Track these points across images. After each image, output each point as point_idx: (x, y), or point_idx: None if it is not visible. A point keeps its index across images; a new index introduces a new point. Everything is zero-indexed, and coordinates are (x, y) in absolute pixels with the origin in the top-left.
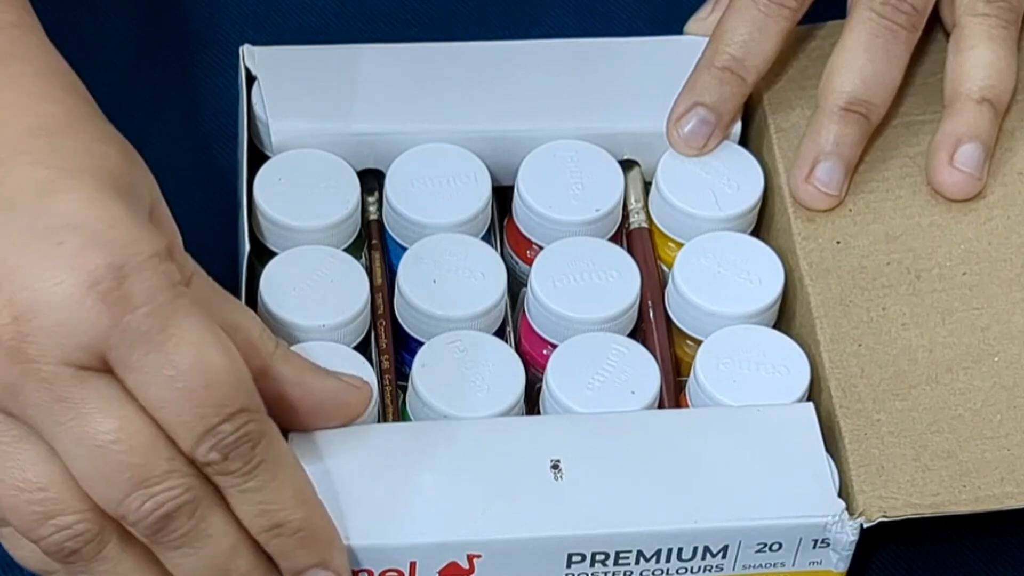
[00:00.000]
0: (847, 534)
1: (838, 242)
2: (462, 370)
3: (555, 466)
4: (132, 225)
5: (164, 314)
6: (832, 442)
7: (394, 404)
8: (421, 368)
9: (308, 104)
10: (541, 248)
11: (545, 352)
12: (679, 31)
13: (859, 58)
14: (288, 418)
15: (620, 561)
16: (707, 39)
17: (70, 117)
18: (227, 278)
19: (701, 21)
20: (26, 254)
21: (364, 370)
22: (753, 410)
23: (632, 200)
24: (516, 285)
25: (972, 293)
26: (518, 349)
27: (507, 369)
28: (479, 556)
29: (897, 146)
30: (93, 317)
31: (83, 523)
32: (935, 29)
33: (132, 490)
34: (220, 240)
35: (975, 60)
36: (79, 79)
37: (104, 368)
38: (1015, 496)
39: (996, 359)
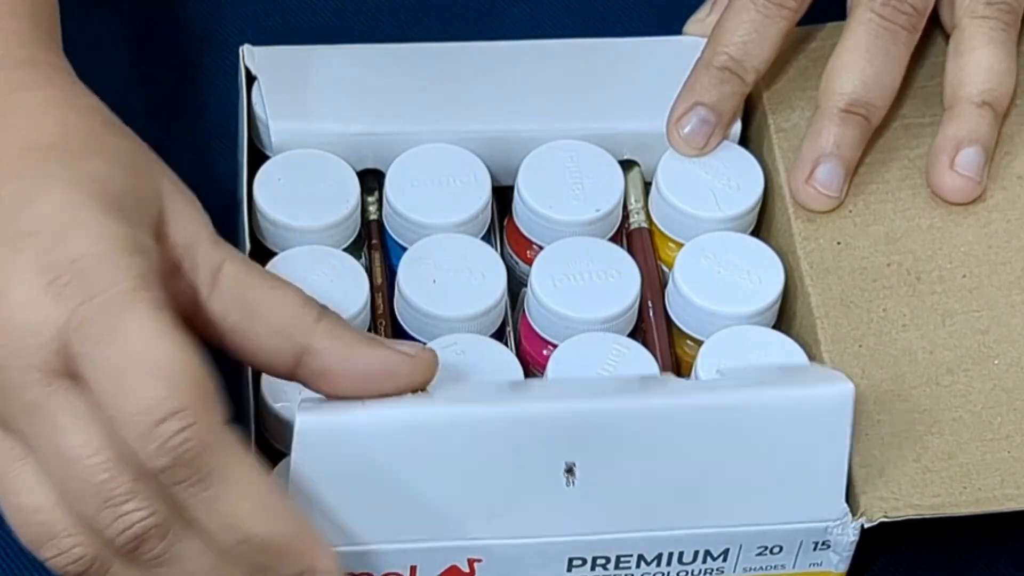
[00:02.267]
0: (848, 535)
1: (838, 243)
2: (461, 374)
3: (569, 470)
4: (101, 223)
5: (119, 303)
6: None
7: None
8: None
9: (308, 104)
10: (541, 248)
11: (545, 352)
12: (679, 31)
13: (859, 59)
14: (336, 390)
15: (621, 565)
16: (706, 39)
17: (68, 135)
18: None
19: (700, 22)
20: None
21: None
22: (785, 394)
23: (632, 200)
24: (516, 285)
25: (972, 295)
26: (518, 349)
27: (506, 372)
28: (479, 560)
29: (897, 148)
30: (49, 311)
31: (79, 547)
32: (934, 31)
33: (101, 508)
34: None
35: (975, 63)
36: (98, 102)
37: (71, 371)
38: (1015, 498)
39: (996, 361)
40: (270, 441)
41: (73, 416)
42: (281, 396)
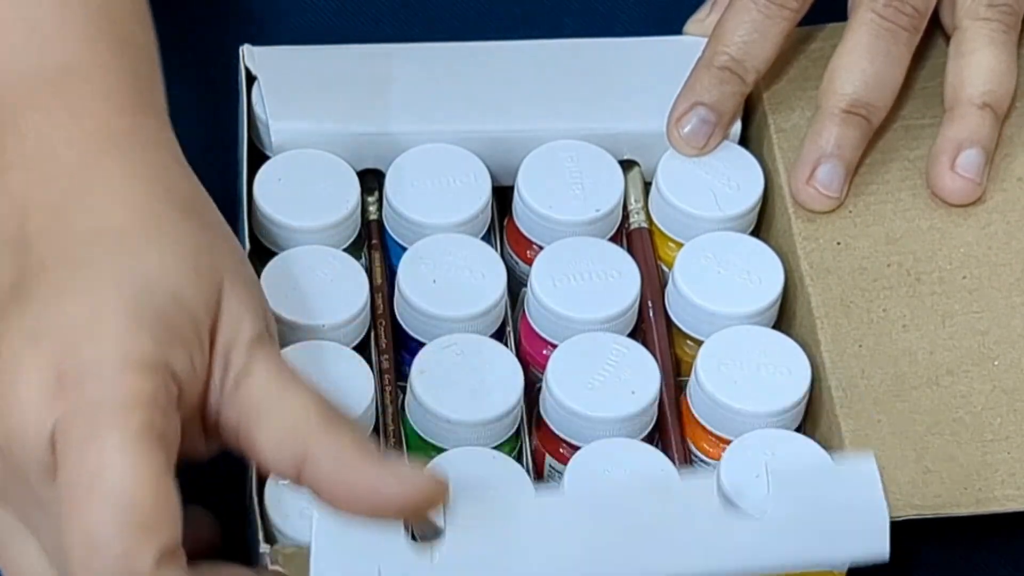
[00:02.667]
0: None
1: (838, 243)
2: (460, 374)
3: None
4: (121, 335)
5: (104, 418)
6: (833, 442)
7: (394, 405)
8: (419, 374)
9: (308, 104)
10: (541, 248)
11: (545, 352)
12: (679, 31)
13: (861, 60)
14: (333, 504)
15: None
16: (706, 39)
17: (136, 221)
18: None
19: (700, 22)
20: (10, 350)
21: (362, 371)
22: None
23: (632, 200)
24: (516, 285)
25: (972, 297)
26: (518, 349)
27: (505, 371)
28: None
29: (897, 149)
30: (47, 410)
31: None
32: (935, 32)
33: None
34: None
35: (976, 65)
36: (184, 176)
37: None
38: (1016, 499)
39: (996, 363)
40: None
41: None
42: None
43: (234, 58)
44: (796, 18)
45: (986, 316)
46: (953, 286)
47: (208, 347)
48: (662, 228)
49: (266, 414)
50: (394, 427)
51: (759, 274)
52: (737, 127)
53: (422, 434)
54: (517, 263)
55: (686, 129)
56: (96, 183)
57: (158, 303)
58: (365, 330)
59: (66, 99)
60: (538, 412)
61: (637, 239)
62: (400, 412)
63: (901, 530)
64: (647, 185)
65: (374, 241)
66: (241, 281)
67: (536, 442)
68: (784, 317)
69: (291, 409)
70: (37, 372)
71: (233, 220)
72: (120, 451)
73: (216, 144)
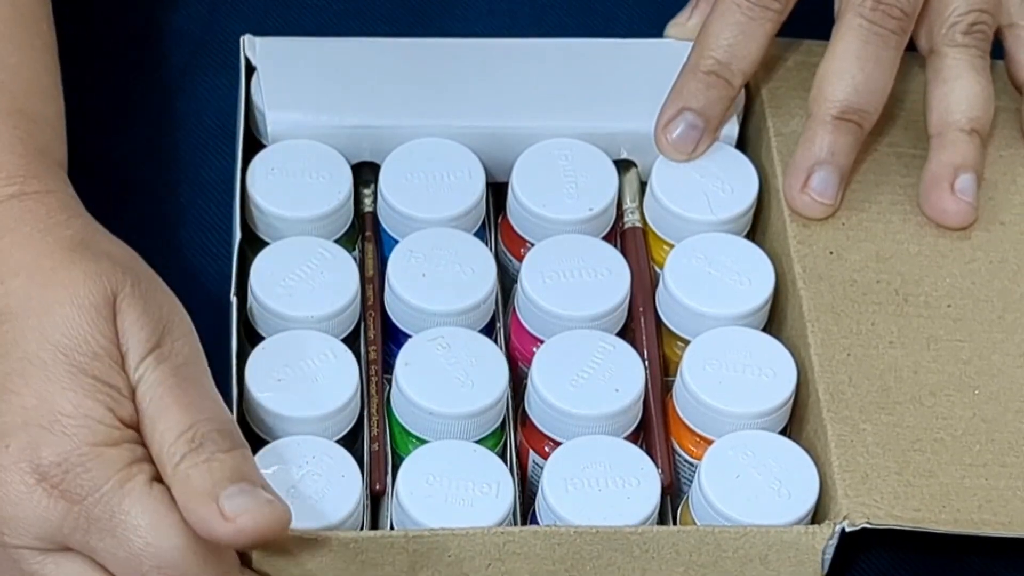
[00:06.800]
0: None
1: (831, 252)
2: (445, 366)
3: None
4: (78, 410)
5: (111, 502)
6: (818, 445)
7: (379, 395)
8: (404, 366)
9: (306, 95)
10: (534, 246)
11: (535, 348)
12: None
13: (851, 66)
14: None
15: None
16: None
17: (29, 285)
18: (228, 277)
19: (680, 26)
20: None
21: (347, 361)
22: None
23: (627, 200)
24: (510, 282)
25: (956, 325)
26: (508, 345)
27: (491, 366)
28: None
29: (888, 173)
30: (44, 511)
31: None
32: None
33: None
34: (221, 241)
35: (961, 91)
36: (74, 219)
37: (69, 548)
38: (992, 524)
39: (976, 392)
40: (252, 429)
41: None
42: (264, 387)
43: (234, 58)
44: (780, 19)
45: (968, 346)
46: (938, 312)
47: (122, 368)
48: (655, 230)
49: (147, 431)
50: (378, 418)
51: (749, 276)
52: (734, 130)
53: (406, 426)
54: (511, 260)
55: (674, 135)
56: None
57: (84, 357)
58: (355, 321)
59: None
60: (523, 408)
61: (631, 239)
62: (385, 404)
63: (890, 536)
64: (643, 185)
65: (368, 233)
66: (130, 291)
67: (521, 438)
68: (775, 319)
69: (160, 433)
70: (18, 473)
71: (229, 211)
72: (152, 517)
73: (215, 142)
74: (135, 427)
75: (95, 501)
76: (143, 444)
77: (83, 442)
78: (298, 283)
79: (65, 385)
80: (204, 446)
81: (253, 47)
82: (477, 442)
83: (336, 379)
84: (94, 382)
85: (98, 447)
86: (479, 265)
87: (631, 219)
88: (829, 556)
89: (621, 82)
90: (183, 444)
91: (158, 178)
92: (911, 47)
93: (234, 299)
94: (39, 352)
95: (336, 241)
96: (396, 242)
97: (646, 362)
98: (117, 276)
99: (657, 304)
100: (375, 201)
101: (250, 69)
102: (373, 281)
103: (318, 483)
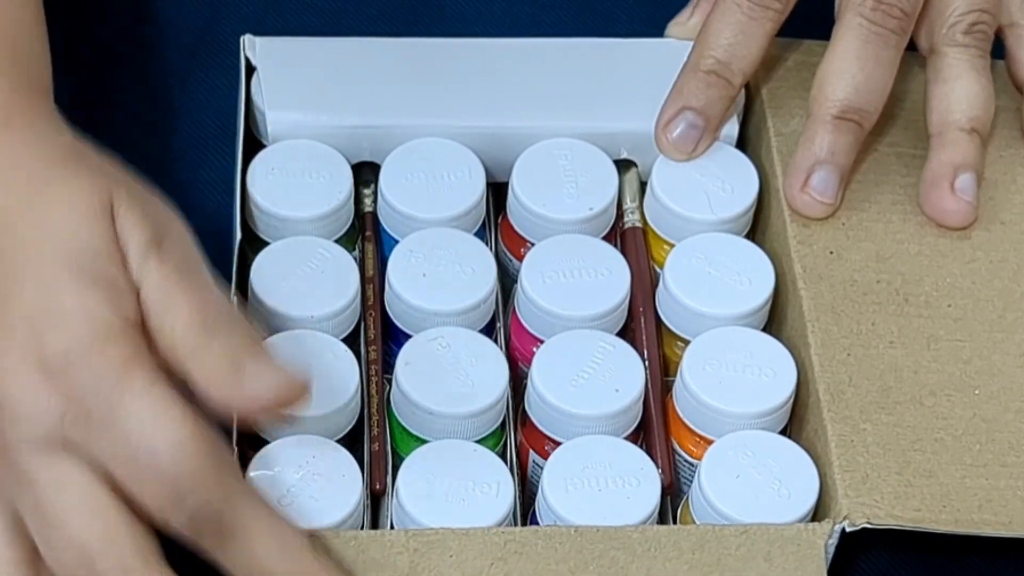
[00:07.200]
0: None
1: (831, 252)
2: (445, 366)
3: None
4: (82, 304)
5: (111, 397)
6: (818, 445)
7: (379, 395)
8: (404, 365)
9: (306, 95)
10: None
11: (535, 349)
12: None
13: (851, 66)
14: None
15: None
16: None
17: (30, 187)
18: (228, 277)
19: (681, 25)
20: None
21: (348, 361)
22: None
23: (627, 200)
24: (510, 282)
25: (956, 325)
26: (508, 346)
27: (491, 365)
28: None
29: (888, 173)
30: (45, 403)
31: None
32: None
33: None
34: (220, 241)
35: (961, 91)
36: (60, 127)
37: (70, 448)
38: (992, 524)
39: (977, 392)
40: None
41: (63, 481)
42: None
43: (234, 58)
44: (780, 18)
45: (968, 346)
46: (939, 312)
47: (124, 267)
48: (655, 229)
49: (155, 326)
50: (378, 417)
51: (749, 276)
52: (734, 130)
53: (406, 425)
54: (511, 260)
55: (674, 134)
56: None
57: (86, 257)
58: (355, 321)
59: None
60: (523, 408)
61: (631, 238)
62: (385, 403)
63: (891, 536)
64: (643, 185)
65: (368, 233)
66: (127, 196)
67: (521, 438)
68: (776, 319)
69: (169, 324)
70: (22, 364)
71: (230, 212)
72: (151, 413)
73: (214, 143)
74: (138, 325)
75: (95, 396)
76: (146, 343)
77: (85, 337)
78: (298, 283)
79: (67, 283)
80: (218, 327)
81: (253, 47)
82: (477, 442)
83: (336, 379)
84: (96, 279)
85: (99, 343)
86: (479, 265)
87: (631, 219)
88: (831, 553)
89: (621, 82)
90: (196, 327)
91: (158, 178)
92: (911, 47)
93: (234, 299)
94: (40, 255)
95: (336, 241)
96: (396, 242)
97: (646, 362)
98: (112, 183)
99: (657, 304)
100: (375, 201)
101: (250, 69)
102: (373, 281)
103: (318, 483)
